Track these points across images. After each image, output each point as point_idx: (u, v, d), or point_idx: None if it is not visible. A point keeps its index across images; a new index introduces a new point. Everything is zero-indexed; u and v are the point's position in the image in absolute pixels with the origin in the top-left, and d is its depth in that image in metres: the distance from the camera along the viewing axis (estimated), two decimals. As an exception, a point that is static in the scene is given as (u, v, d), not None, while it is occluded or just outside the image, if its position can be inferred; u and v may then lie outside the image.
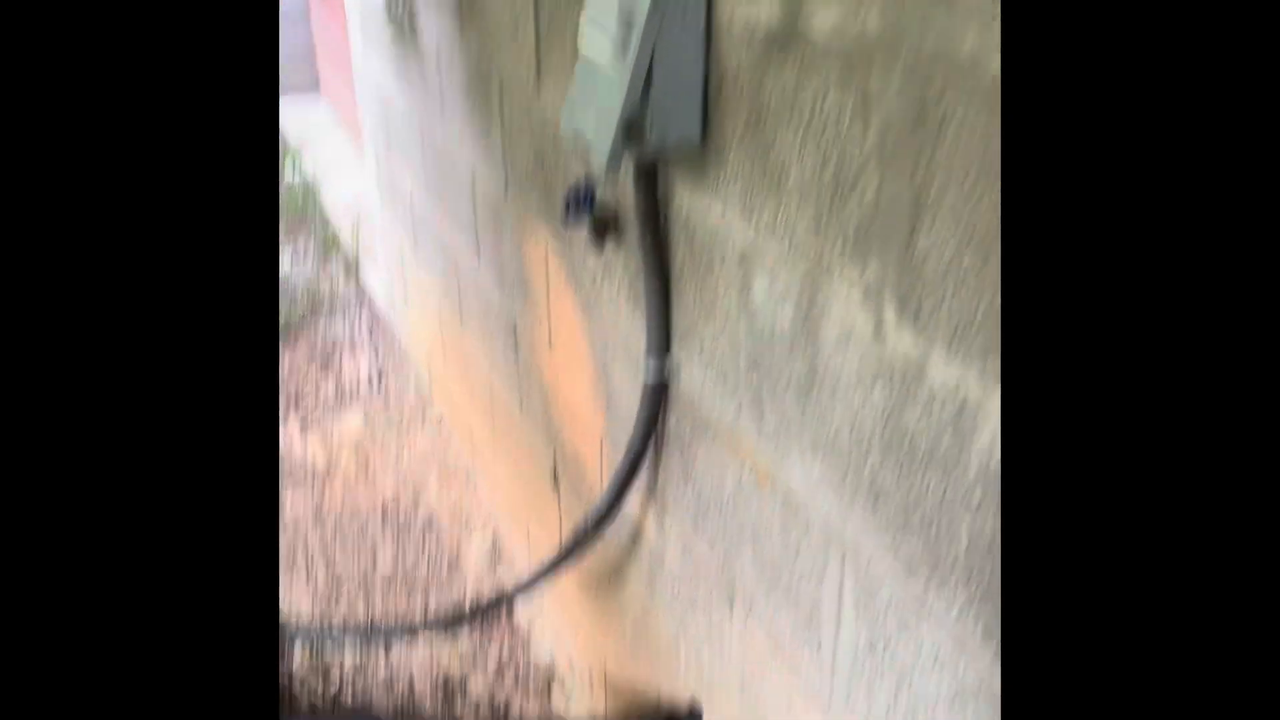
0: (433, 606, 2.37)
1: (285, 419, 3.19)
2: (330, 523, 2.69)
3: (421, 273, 2.93)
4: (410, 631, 1.54)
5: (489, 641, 2.25)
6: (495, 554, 2.51)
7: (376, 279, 3.82)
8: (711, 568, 1.37)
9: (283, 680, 2.14)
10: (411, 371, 3.39)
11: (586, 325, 1.65)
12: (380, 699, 2.09)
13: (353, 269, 4.13)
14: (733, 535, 1.29)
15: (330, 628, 1.55)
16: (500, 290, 2.12)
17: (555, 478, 1.99)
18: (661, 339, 1.33)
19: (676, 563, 1.47)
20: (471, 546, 2.55)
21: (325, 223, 4.58)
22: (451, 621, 1.57)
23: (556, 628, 2.18)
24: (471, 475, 2.80)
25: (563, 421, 1.89)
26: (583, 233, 1.52)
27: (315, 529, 2.66)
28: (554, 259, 1.74)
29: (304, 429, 3.14)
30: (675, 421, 1.38)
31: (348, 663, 2.20)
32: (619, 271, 1.47)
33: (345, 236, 4.27)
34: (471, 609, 1.53)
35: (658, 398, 1.38)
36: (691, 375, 1.31)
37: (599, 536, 1.49)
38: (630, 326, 1.46)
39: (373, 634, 1.54)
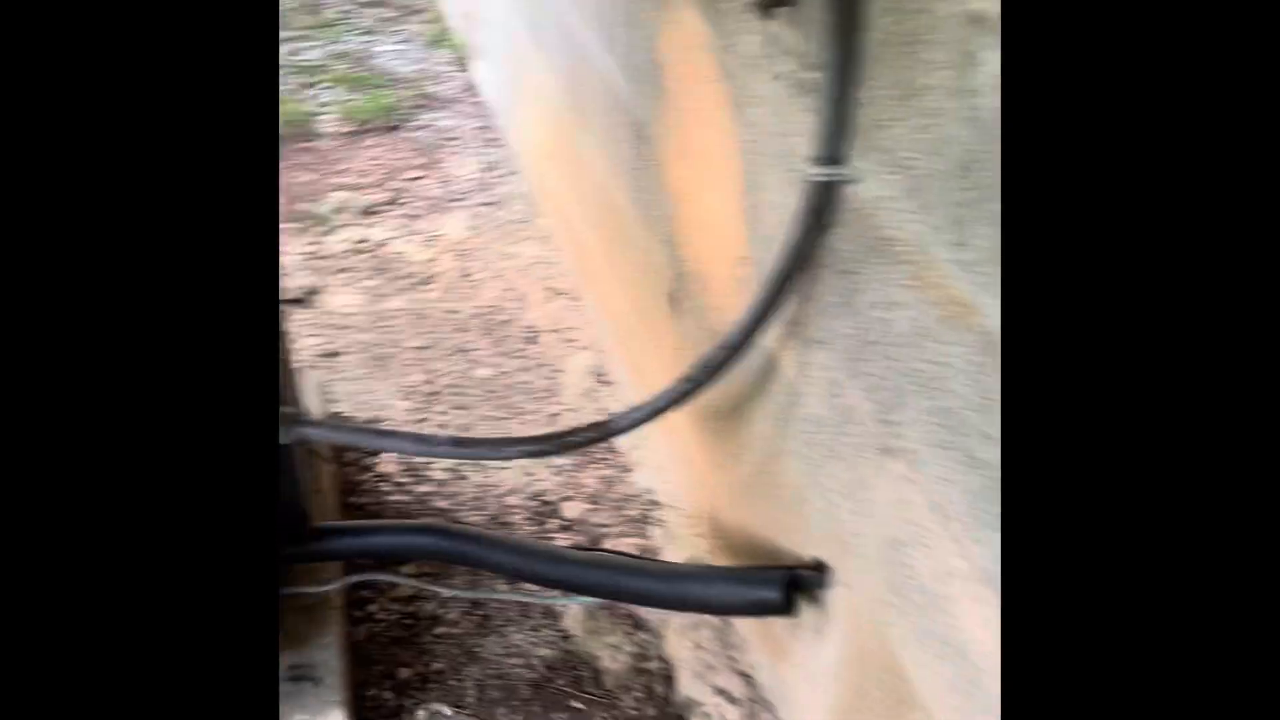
0: (530, 421, 2.25)
1: (386, 217, 3.04)
2: (428, 326, 2.56)
3: (539, 65, 2.68)
4: (507, 449, 1.40)
5: (587, 466, 2.12)
6: (598, 375, 2.36)
7: (488, 73, 3.57)
8: (864, 414, 1.16)
9: (370, 480, 2.06)
10: (520, 175, 3.19)
11: (735, 123, 1.40)
12: (469, 522, 1.99)
13: (464, 61, 3.88)
14: (900, 380, 1.08)
15: (423, 436, 1.42)
16: (629, 84, 1.87)
17: (674, 299, 1.79)
18: (836, 135, 1.08)
19: (819, 405, 1.27)
20: (574, 365, 2.40)
21: (437, 10, 4.31)
22: (552, 446, 1.42)
23: (661, 459, 2.04)
24: (578, 290, 2.62)
25: (690, 237, 1.67)
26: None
27: (413, 331, 2.54)
28: (700, 42, 1.48)
29: (405, 228, 2.99)
30: (840, 241, 1.15)
31: (439, 470, 2.10)
32: (785, 53, 1.21)
33: (458, 25, 4.01)
34: (575, 436, 1.37)
35: (821, 211, 1.14)
36: (871, 183, 1.07)
37: (729, 369, 1.29)
38: (793, 123, 1.21)
39: (466, 446, 1.40)
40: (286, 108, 3.52)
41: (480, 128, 3.50)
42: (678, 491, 1.95)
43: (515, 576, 1.61)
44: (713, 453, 1.70)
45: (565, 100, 2.46)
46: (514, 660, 1.73)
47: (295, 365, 1.88)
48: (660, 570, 1.43)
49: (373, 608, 1.80)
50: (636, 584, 1.44)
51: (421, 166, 3.30)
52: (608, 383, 2.33)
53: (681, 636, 1.72)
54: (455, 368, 2.42)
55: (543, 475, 2.09)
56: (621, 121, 1.94)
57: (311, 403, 2.12)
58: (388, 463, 2.10)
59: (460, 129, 3.50)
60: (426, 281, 2.75)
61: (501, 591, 1.78)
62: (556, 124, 2.60)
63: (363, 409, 2.27)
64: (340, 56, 4.00)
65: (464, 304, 2.66)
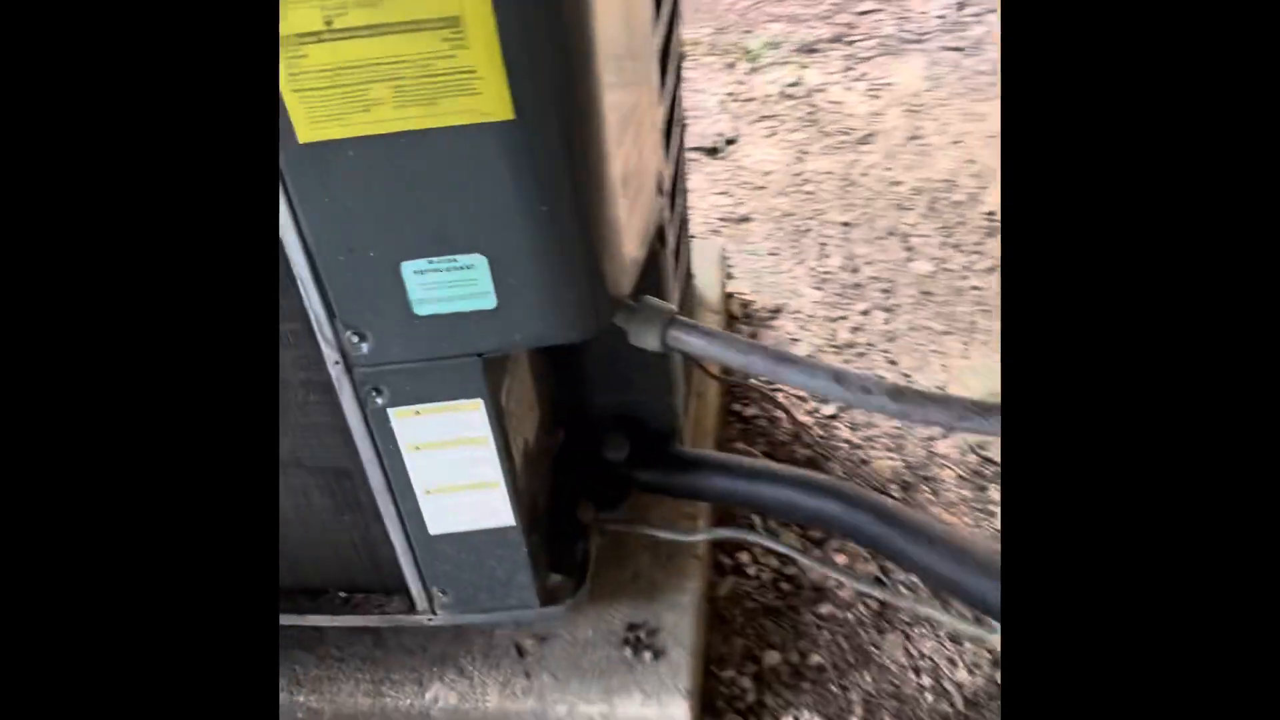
0: (979, 344, 1.70)
1: (827, 57, 2.53)
2: (860, 198, 2.06)
3: None
4: (978, 418, 0.89)
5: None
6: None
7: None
8: None
9: (756, 396, 1.65)
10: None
11: None
12: (878, 466, 1.52)
13: None
14: None
15: (846, 374, 0.96)
16: None
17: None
18: None
19: None
20: (1050, 275, 1.79)
21: None
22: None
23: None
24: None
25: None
26: None
27: (839, 203, 2.05)
28: None
29: (848, 73, 2.46)
30: None
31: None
32: None
33: None
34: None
35: None
36: None
37: None
38: None
39: (913, 403, 0.93)
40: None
41: (958, -49, 2.82)
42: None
43: (938, 585, 1.13)
44: None
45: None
46: (919, 679, 1.26)
47: (692, 233, 1.48)
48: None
49: (744, 557, 1.41)
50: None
51: (878, -2, 2.72)
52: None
53: None
54: (888, 256, 1.91)
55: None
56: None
57: (709, 277, 1.73)
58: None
59: (932, -47, 2.85)
60: (866, 141, 2.22)
61: (912, 598, 1.30)
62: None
63: (765, 292, 1.84)
64: None
65: (909, 174, 2.11)
